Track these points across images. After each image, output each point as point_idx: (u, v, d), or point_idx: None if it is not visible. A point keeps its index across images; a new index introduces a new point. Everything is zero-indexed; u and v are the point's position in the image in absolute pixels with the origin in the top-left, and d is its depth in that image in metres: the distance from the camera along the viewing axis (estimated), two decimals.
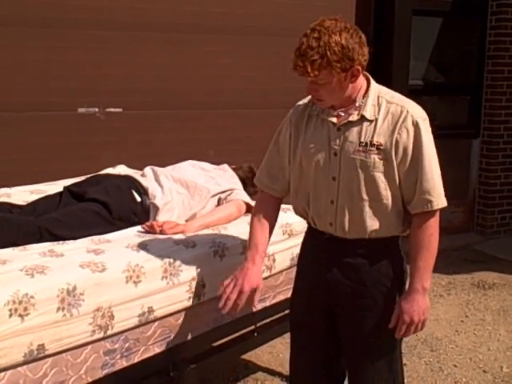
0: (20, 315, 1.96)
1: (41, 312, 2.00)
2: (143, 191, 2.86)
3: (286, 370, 3.29)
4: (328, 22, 1.94)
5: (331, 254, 2.15)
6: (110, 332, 2.19)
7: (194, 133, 4.69)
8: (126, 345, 2.27)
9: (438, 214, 2.08)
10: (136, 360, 2.31)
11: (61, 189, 2.94)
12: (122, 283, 2.23)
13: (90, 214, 2.65)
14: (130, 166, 3.54)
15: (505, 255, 5.58)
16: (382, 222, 2.07)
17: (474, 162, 6.23)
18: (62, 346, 2.07)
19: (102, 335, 2.17)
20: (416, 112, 2.04)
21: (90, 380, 2.17)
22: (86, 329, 2.12)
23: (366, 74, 2.08)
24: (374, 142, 2.02)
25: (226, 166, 3.28)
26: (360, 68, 1.99)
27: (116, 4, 4.34)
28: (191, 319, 2.48)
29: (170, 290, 2.37)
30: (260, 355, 3.65)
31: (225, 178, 3.13)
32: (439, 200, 2.05)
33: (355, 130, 2.05)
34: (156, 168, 3.05)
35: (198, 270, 2.45)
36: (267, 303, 2.82)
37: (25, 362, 1.99)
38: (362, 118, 2.05)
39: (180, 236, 2.60)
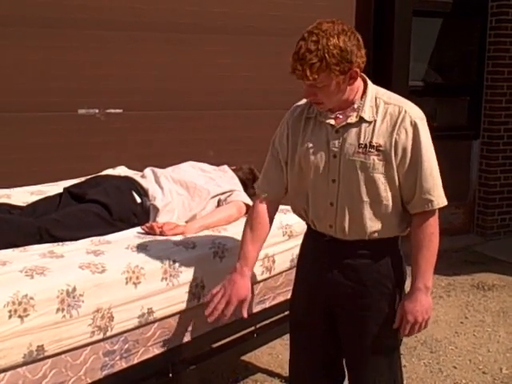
0: (20, 316, 1.95)
1: (40, 313, 2.00)
2: (143, 192, 2.86)
3: (285, 371, 3.28)
4: (325, 25, 1.93)
5: (332, 255, 2.16)
6: (109, 333, 2.19)
7: (194, 133, 4.68)
8: (126, 346, 2.26)
9: (437, 212, 2.08)
10: (135, 361, 2.31)
11: (61, 190, 2.94)
12: (121, 284, 2.23)
13: (90, 215, 2.65)
14: (130, 167, 3.54)
15: (505, 256, 5.58)
16: (382, 222, 2.08)
17: (473, 163, 6.23)
18: (61, 347, 2.06)
19: (101, 336, 2.17)
20: (414, 112, 2.04)
21: (89, 381, 2.17)
22: (86, 330, 2.12)
23: (363, 75, 2.08)
24: (374, 144, 2.02)
25: (225, 167, 3.28)
26: (358, 70, 1.99)
27: (116, 4, 4.33)
28: (191, 320, 2.48)
29: (170, 291, 2.36)
30: (259, 356, 3.65)
31: (225, 179, 3.13)
32: (439, 199, 2.06)
33: (354, 131, 2.05)
34: (156, 169, 3.05)
35: (198, 271, 2.45)
36: (267, 304, 2.81)
37: (24, 363, 1.99)
38: (361, 120, 2.05)
39: (180, 237, 2.60)
